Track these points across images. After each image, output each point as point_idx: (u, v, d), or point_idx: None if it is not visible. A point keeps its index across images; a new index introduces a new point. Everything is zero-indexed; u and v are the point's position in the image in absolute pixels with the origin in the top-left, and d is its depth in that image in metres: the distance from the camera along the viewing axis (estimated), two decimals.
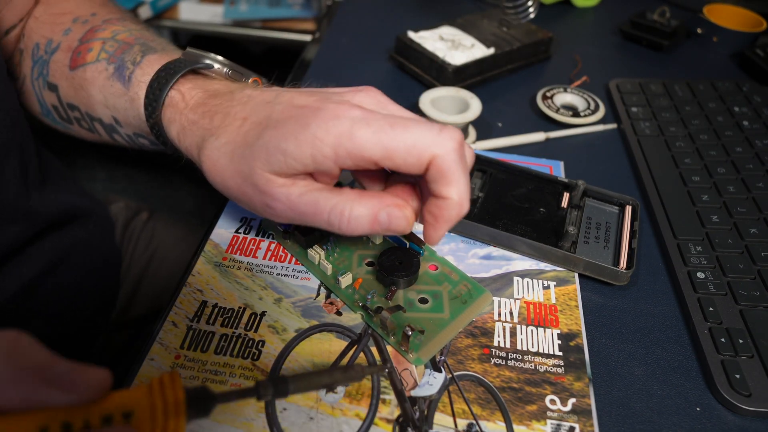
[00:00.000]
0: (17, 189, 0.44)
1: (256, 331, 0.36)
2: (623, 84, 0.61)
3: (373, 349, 0.35)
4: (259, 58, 1.65)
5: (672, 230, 0.44)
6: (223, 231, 0.42)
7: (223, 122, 0.34)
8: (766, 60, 0.63)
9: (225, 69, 0.39)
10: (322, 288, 0.39)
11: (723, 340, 0.36)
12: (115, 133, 0.45)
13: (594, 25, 0.76)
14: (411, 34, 0.62)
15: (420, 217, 0.34)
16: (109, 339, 0.59)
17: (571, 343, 0.36)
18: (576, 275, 0.40)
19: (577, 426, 0.32)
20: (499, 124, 0.56)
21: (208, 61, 0.39)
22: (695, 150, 0.52)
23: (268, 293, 0.38)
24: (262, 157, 0.32)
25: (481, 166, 0.47)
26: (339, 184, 0.36)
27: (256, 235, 0.42)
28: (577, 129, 0.55)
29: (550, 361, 0.35)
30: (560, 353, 0.35)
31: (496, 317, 0.37)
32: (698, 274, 0.40)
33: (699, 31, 0.72)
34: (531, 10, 0.62)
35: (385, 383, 0.33)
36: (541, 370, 0.34)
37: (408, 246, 0.40)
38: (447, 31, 0.63)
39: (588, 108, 0.57)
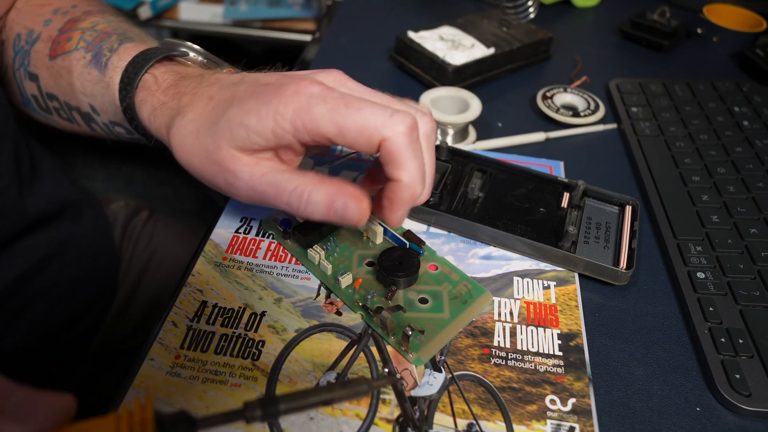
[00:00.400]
0: (8, 182, 0.45)
1: (256, 331, 0.36)
2: (623, 84, 0.61)
3: (373, 349, 0.35)
4: (259, 58, 1.64)
5: (672, 230, 0.44)
6: (223, 231, 0.42)
7: (190, 102, 0.35)
8: (766, 60, 0.63)
9: (200, 57, 0.40)
10: (322, 288, 0.39)
11: (723, 340, 0.36)
12: (92, 122, 0.45)
13: (594, 25, 0.76)
14: (411, 34, 0.62)
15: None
16: (108, 339, 0.59)
17: (571, 343, 0.36)
18: (576, 275, 0.40)
19: (577, 426, 0.32)
20: (499, 124, 0.56)
21: (183, 49, 0.40)
22: (695, 150, 0.52)
23: (268, 293, 0.38)
24: (226, 133, 0.32)
25: (481, 166, 0.47)
26: None
27: (256, 235, 0.42)
28: (577, 129, 0.55)
29: (550, 361, 0.35)
30: (560, 353, 0.35)
31: (496, 317, 0.37)
32: (698, 274, 0.40)
33: (699, 31, 0.72)
34: (531, 10, 0.62)
35: None
36: (541, 370, 0.34)
37: (408, 246, 0.40)
38: (447, 31, 0.63)
39: (588, 108, 0.57)
